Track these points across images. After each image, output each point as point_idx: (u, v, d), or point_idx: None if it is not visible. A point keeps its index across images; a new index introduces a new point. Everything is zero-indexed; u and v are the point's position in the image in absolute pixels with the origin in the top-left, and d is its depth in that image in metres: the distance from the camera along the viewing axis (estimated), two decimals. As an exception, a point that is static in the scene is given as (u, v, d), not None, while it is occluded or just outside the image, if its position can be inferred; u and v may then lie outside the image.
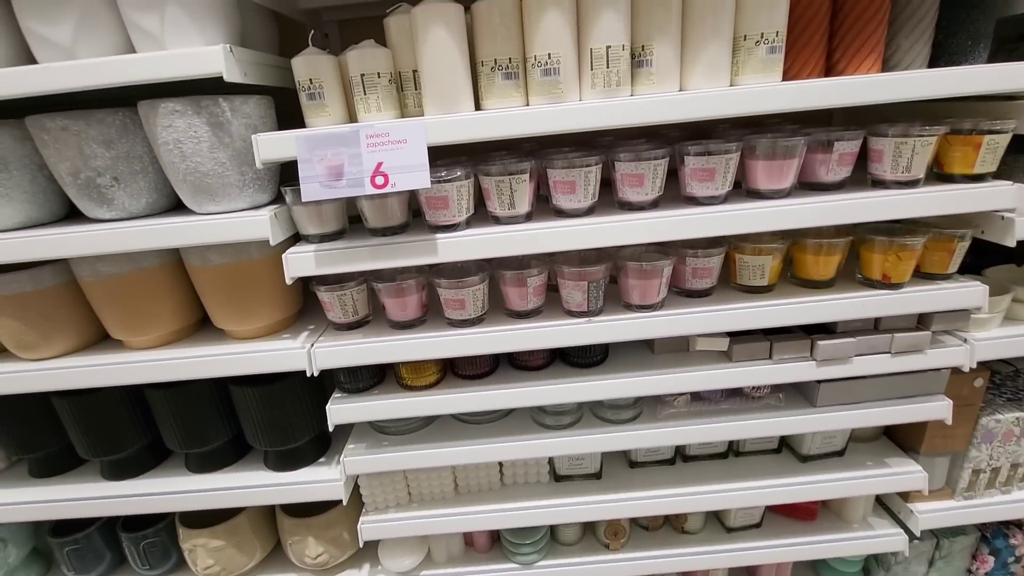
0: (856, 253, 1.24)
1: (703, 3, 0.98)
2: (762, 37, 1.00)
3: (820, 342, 1.22)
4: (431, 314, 1.26)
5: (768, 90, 1.00)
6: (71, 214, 1.23)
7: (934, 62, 1.09)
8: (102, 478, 1.41)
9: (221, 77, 0.94)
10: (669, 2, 0.98)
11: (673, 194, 1.20)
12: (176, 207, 1.21)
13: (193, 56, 0.94)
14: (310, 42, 1.06)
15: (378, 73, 1.02)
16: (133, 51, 1.02)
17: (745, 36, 1.01)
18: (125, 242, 1.08)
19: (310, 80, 1.03)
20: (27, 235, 1.09)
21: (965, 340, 1.26)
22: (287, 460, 1.37)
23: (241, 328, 1.27)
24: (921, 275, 1.24)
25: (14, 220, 1.15)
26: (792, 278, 1.28)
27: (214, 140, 1.03)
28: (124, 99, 1.06)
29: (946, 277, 1.23)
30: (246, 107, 1.05)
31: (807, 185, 1.18)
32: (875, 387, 1.30)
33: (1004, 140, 1.08)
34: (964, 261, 1.32)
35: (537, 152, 1.25)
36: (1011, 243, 1.14)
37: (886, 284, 1.20)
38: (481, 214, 1.17)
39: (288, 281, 1.09)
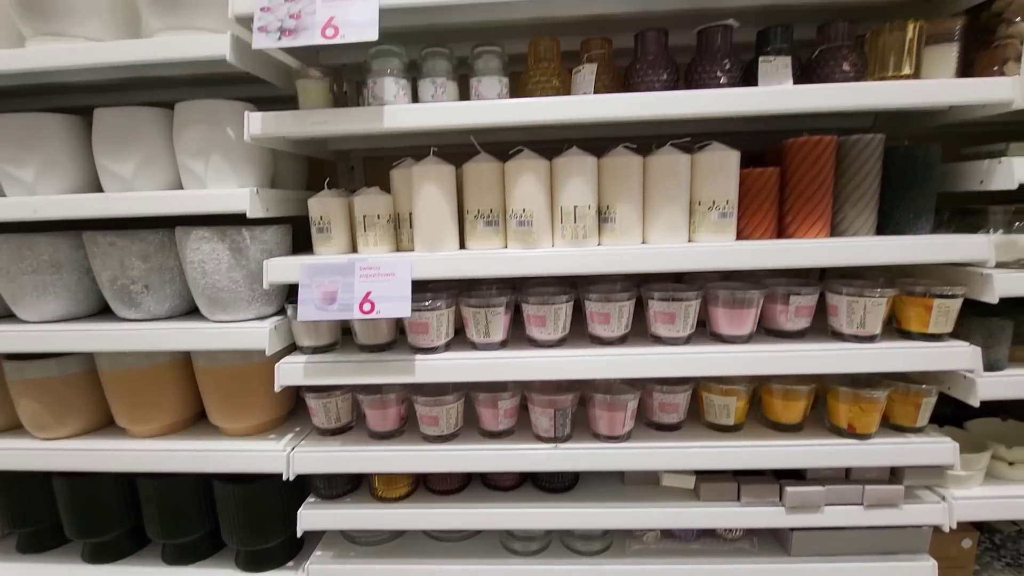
0: (826, 399, 1.27)
1: (660, 175, 1.13)
2: (714, 204, 1.13)
3: (788, 488, 1.22)
4: (409, 425, 1.33)
5: (717, 249, 1.11)
6: (102, 310, 1.40)
7: (881, 230, 1.18)
8: (82, 560, 1.45)
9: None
10: (630, 173, 1.13)
11: (643, 329, 1.28)
12: (194, 310, 1.36)
13: (225, 196, 1.13)
14: (326, 185, 1.25)
15: (378, 215, 1.19)
16: (181, 186, 1.23)
17: (700, 202, 1.14)
18: (142, 342, 1.22)
19: (320, 217, 1.20)
20: (65, 328, 1.25)
21: (943, 497, 1.23)
22: (257, 560, 1.39)
23: (233, 426, 1.36)
24: (891, 427, 1.25)
25: (56, 313, 1.31)
26: (762, 419, 1.30)
27: (232, 262, 1.19)
28: (167, 219, 1.26)
29: (916, 430, 1.23)
30: (265, 235, 1.22)
31: (770, 331, 1.25)
32: (852, 540, 1.26)
33: (955, 304, 1.14)
34: (946, 412, 1.33)
35: (519, 285, 1.37)
36: (975, 403, 1.16)
37: (852, 434, 1.21)
38: (464, 337, 1.27)
39: (277, 389, 1.19)
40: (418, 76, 1.15)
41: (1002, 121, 1.14)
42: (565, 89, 1.17)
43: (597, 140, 1.32)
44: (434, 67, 1.12)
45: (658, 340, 1.22)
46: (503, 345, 1.23)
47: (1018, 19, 1.05)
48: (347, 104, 1.48)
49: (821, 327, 1.24)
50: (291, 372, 1.19)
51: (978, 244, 1.09)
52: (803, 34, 1.18)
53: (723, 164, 1.13)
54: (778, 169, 1.17)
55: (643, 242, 1.18)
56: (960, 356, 1.13)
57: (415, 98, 1.15)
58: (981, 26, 1.13)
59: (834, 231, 1.19)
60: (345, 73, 1.46)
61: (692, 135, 1.18)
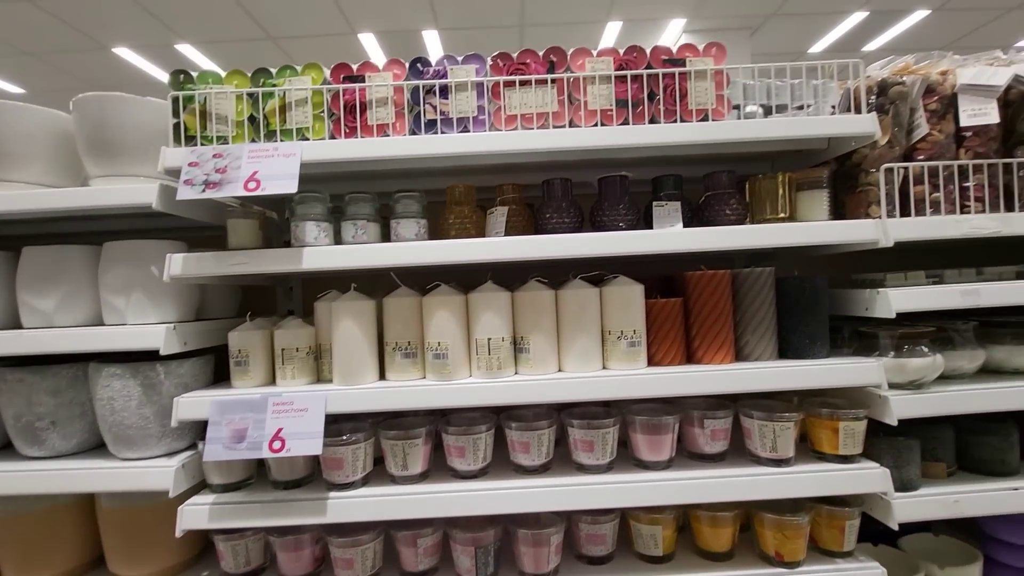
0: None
1: (571, 307, 1.19)
2: (622, 334, 1.18)
3: (723, 627, 1.16)
4: (325, 567, 1.25)
5: (627, 377, 1.14)
6: (5, 446, 1.33)
7: (783, 353, 1.25)
8: None
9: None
10: (542, 305, 1.19)
11: (567, 454, 1.27)
12: (103, 445, 1.30)
13: (139, 334, 1.14)
14: (248, 317, 1.27)
15: (297, 348, 1.20)
16: (101, 320, 1.23)
17: (610, 331, 1.20)
18: (27, 485, 1.15)
19: (239, 350, 1.20)
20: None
21: (881, 631, 1.18)
22: None
23: (133, 572, 1.25)
24: (821, 551, 1.23)
25: (-49, 454, 1.24)
26: (693, 546, 1.27)
27: (143, 399, 1.17)
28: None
29: (845, 555, 1.21)
30: (181, 369, 1.22)
31: (692, 454, 1.25)
32: None
33: (860, 426, 1.18)
34: (879, 528, 1.32)
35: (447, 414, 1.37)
36: (893, 525, 1.16)
37: (781, 562, 1.18)
38: (384, 469, 1.24)
39: (178, 534, 1.12)
40: (342, 217, 1.22)
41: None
42: (480, 226, 1.25)
43: (514, 269, 1.39)
44: (356, 210, 1.20)
45: (581, 468, 1.21)
46: (423, 477, 1.20)
47: (873, 169, 1.20)
48: (281, 236, 1.54)
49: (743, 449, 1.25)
50: (194, 515, 1.13)
51: (869, 369, 1.15)
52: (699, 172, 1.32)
53: (629, 297, 1.20)
54: (681, 299, 1.24)
55: (559, 370, 1.21)
56: (871, 479, 1.15)
57: (338, 238, 1.22)
58: (847, 173, 1.28)
59: (739, 355, 1.25)
60: (285, 202, 1.55)
61: (603, 265, 1.27)
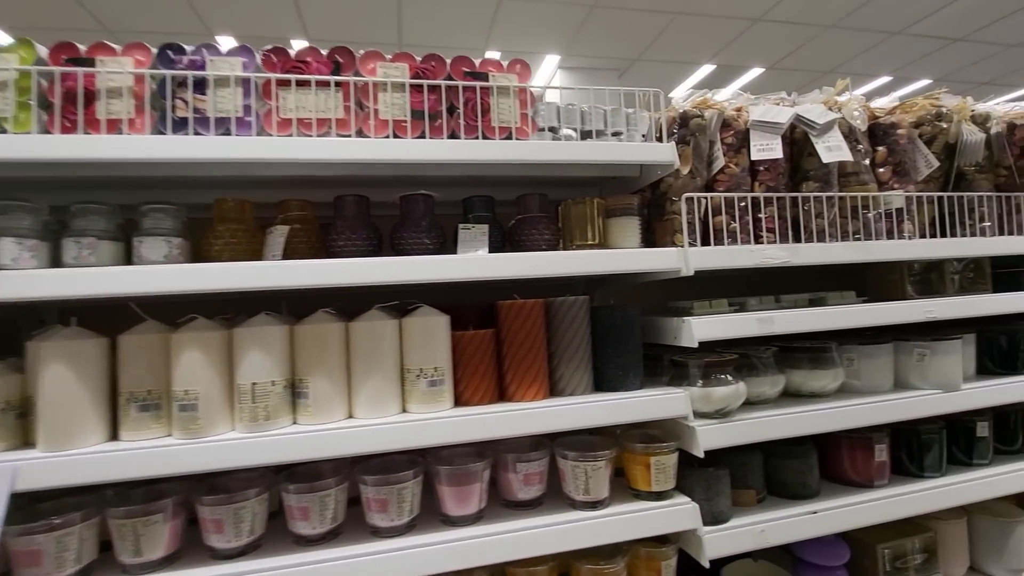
0: None
1: (365, 342, 1.03)
2: (422, 372, 1.05)
3: None
4: None
5: (426, 422, 1.00)
6: None
7: (598, 386, 1.19)
8: None
9: None
10: (328, 341, 1.02)
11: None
12: None
13: None
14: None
15: (-14, 404, 0.91)
16: None
17: (409, 369, 1.05)
18: None
19: None
20: None
21: (699, 675, 1.13)
22: None
23: None
24: (640, 597, 1.16)
25: None
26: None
27: None
28: None
29: (664, 598, 1.16)
30: None
31: (507, 503, 1.14)
32: None
33: (671, 459, 1.14)
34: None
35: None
36: (704, 562, 1.13)
37: (598, 616, 1.09)
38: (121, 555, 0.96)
39: None
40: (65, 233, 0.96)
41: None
42: (259, 248, 1.06)
43: (320, 298, 1.21)
44: (82, 225, 0.95)
45: (375, 532, 1.03)
46: (169, 562, 0.95)
47: (676, 198, 1.20)
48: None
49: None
50: None
51: (677, 400, 1.12)
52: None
53: (431, 329, 1.07)
54: (493, 331, 1.14)
55: (349, 416, 1.04)
56: (682, 516, 1.11)
57: (56, 260, 0.96)
58: (656, 201, 1.28)
59: (554, 389, 1.17)
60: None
61: (414, 294, 1.13)
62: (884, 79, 6.80)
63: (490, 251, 1.13)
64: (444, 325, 1.09)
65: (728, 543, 1.15)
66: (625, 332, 1.18)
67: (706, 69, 6.14)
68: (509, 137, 1.09)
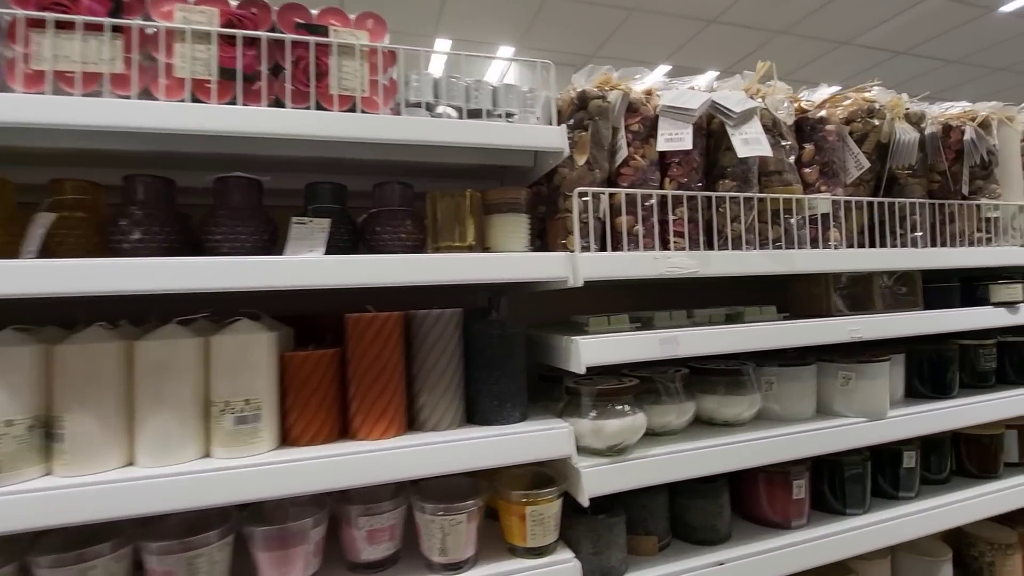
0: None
1: (149, 368, 0.79)
2: (227, 405, 0.82)
3: None
4: None
5: (215, 476, 0.77)
6: None
7: (470, 419, 0.99)
8: None
9: None
10: (98, 366, 0.78)
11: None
12: None
13: None
14: None
15: None
16: None
17: (215, 402, 0.82)
18: None
19: None
20: None
21: None
22: None
23: None
24: (515, 670, 0.96)
25: None
26: None
27: None
28: None
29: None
30: None
31: (353, 565, 0.92)
32: None
33: (551, 508, 0.95)
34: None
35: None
36: (590, 632, 0.94)
37: None
38: None
39: None
40: None
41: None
42: (17, 239, 0.80)
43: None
44: None
45: (162, 612, 0.80)
46: None
47: (569, 194, 1.00)
48: None
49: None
50: None
51: (559, 438, 0.94)
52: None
53: (246, 348, 0.84)
54: (335, 351, 0.92)
55: (129, 464, 0.80)
56: (564, 572, 0.92)
57: None
58: (549, 197, 1.08)
59: (414, 423, 0.96)
60: None
61: (246, 302, 0.90)
62: (835, 88, 6.92)
63: (335, 252, 0.91)
64: (265, 344, 0.86)
65: (618, 606, 0.97)
66: (502, 353, 0.98)
67: (662, 69, 6.06)
68: (352, 109, 0.86)
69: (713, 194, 1.08)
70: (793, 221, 1.14)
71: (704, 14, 5.07)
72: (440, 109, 1.04)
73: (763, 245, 1.13)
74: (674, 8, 4.95)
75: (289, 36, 0.83)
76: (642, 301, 1.46)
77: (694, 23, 5.22)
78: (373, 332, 0.91)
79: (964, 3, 4.85)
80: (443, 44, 5.43)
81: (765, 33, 5.40)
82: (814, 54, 5.83)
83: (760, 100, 1.17)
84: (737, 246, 1.09)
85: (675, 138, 1.02)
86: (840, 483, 1.23)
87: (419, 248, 0.95)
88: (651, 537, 1.09)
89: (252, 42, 0.83)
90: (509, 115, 1.07)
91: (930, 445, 1.38)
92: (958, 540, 1.49)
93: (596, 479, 0.95)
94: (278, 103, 0.84)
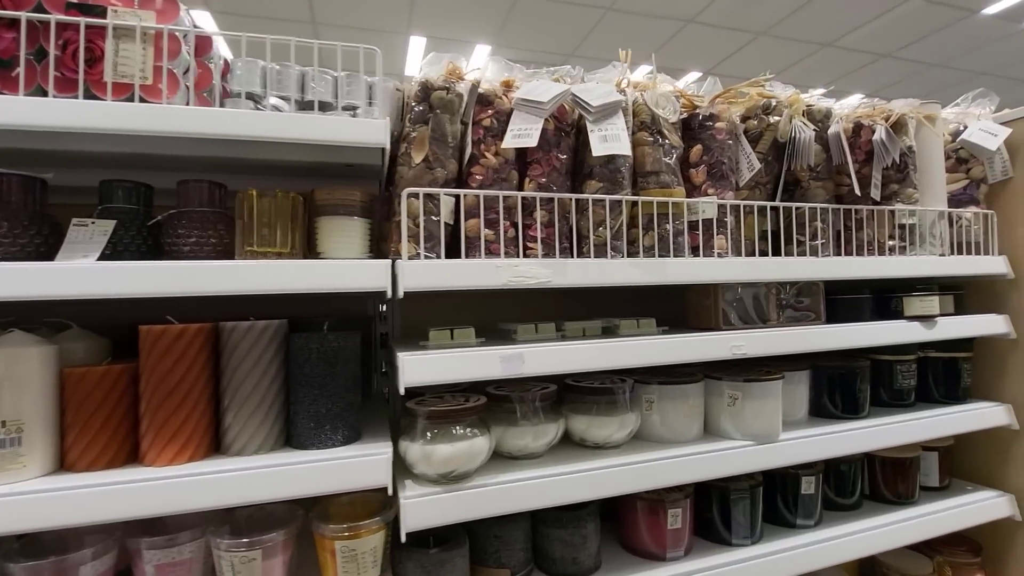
0: None
1: None
2: (-22, 428, 0.73)
3: None
4: None
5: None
6: None
7: (289, 441, 0.90)
8: None
9: None
10: None
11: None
12: None
13: None
14: None
15: None
16: None
17: (-37, 422, 0.73)
18: None
19: None
20: None
21: None
22: None
23: None
24: None
25: None
26: None
27: None
28: None
29: None
30: None
31: (144, 600, 0.83)
32: None
33: (368, 543, 0.85)
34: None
35: None
36: None
37: None
38: None
39: None
40: None
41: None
42: None
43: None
44: None
45: None
46: None
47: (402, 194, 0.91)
48: None
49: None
50: None
51: (376, 465, 0.84)
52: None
53: (13, 364, 0.75)
54: (127, 367, 0.83)
55: None
56: (378, 617, 0.83)
57: None
58: (389, 198, 0.99)
59: (222, 447, 0.87)
60: None
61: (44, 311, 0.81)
62: (820, 91, 6.79)
63: (132, 257, 0.82)
64: (33, 358, 0.77)
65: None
66: (321, 370, 0.88)
67: (644, 69, 5.97)
68: (131, 99, 0.77)
69: (570, 196, 0.98)
70: (670, 227, 1.04)
71: (681, 14, 4.97)
72: (270, 102, 0.95)
73: (637, 253, 1.04)
74: (650, 8, 4.86)
75: (55, 17, 0.74)
76: (576, 308, 1.39)
77: (672, 23, 5.12)
78: (165, 345, 0.82)
79: (947, 5, 4.75)
80: (417, 42, 5.34)
81: (745, 34, 5.30)
82: (797, 56, 5.73)
83: (639, 94, 1.08)
84: (603, 254, 1.00)
85: (523, 134, 0.93)
86: (726, 511, 1.14)
87: (227, 254, 0.86)
88: (502, 571, 0.99)
89: (11, 23, 0.74)
90: (351, 108, 0.98)
91: (837, 468, 1.29)
92: (872, 570, 1.39)
93: (422, 510, 0.85)
94: (41, 91, 0.75)
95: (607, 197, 0.99)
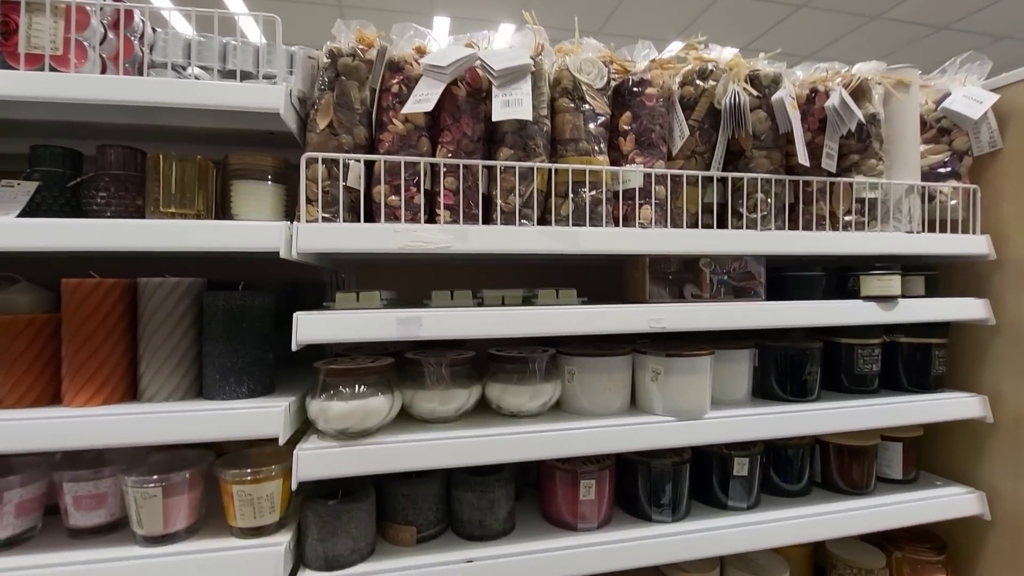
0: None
1: None
2: (-92, 363, 0.82)
3: None
4: None
5: None
6: None
7: (200, 392, 0.96)
8: None
9: None
10: None
11: None
12: None
13: None
14: None
15: None
16: None
17: (-98, 358, 0.83)
18: None
19: None
20: None
21: None
22: None
23: None
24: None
25: None
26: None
27: None
28: None
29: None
30: None
31: (68, 531, 0.91)
32: None
33: (264, 489, 0.91)
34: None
35: None
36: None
37: (152, 676, 0.88)
38: None
39: None
40: None
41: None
42: None
43: None
44: None
45: None
46: None
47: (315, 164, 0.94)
48: None
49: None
50: None
51: (268, 417, 0.89)
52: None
53: (-59, 309, 0.84)
54: (51, 317, 0.91)
55: None
56: (259, 560, 0.88)
57: None
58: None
59: (137, 394, 0.94)
60: None
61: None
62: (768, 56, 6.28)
63: (55, 216, 0.89)
64: (-36, 306, 0.86)
65: (328, 596, 0.92)
66: (228, 327, 0.93)
67: (675, 46, 5.74)
68: (43, 68, 0.84)
69: (478, 162, 0.98)
70: (587, 196, 1.03)
71: (712, -15, 4.73)
72: (194, 71, 1.00)
73: (554, 222, 1.03)
74: (680, -21, 4.66)
75: (-32, -11, 0.81)
76: (535, 282, 1.40)
77: (701, -5, 4.89)
78: (82, 296, 0.89)
79: (1017, -35, 4.29)
80: (441, 22, 5.35)
81: (784, 7, 4.98)
82: (843, 29, 5.34)
83: (563, 58, 1.06)
84: (512, 222, 1.00)
85: (423, 99, 0.93)
86: (647, 486, 1.12)
87: (136, 214, 0.92)
88: (408, 527, 1.03)
89: (-64, -2, 0.81)
90: (270, 77, 1.02)
91: (783, 452, 1.24)
92: (824, 560, 1.34)
93: (314, 462, 0.89)
94: (-36, 61, 0.83)
95: (516, 164, 0.98)
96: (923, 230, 1.24)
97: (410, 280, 1.40)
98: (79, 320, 0.88)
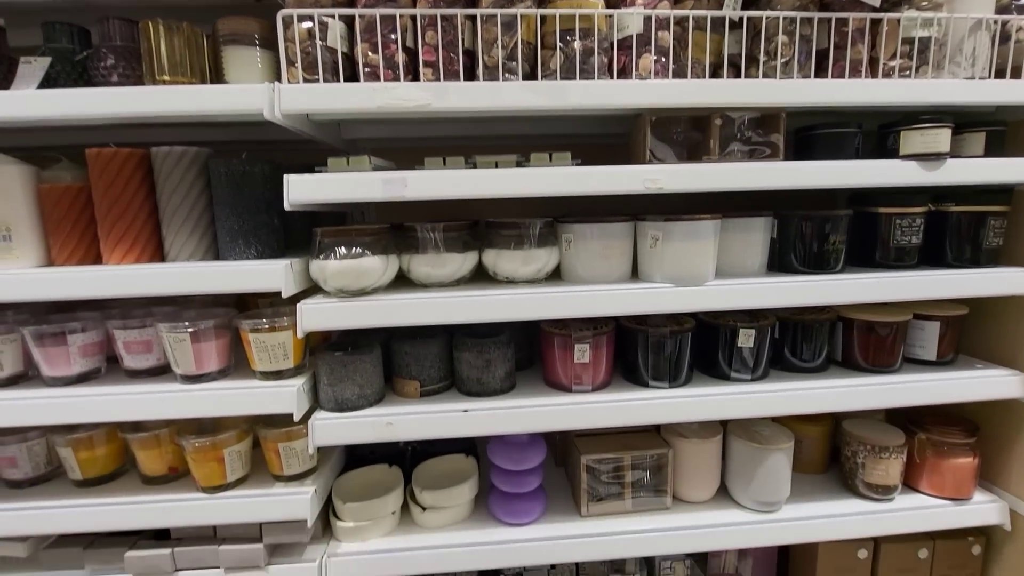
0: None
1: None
2: (-15, 226, 0.96)
3: (129, 552, 1.05)
4: None
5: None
6: None
7: (219, 255, 1.05)
8: None
9: None
10: None
11: None
12: None
13: None
14: None
15: None
16: None
17: (-23, 223, 0.97)
18: None
19: None
20: None
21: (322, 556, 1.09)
22: None
23: None
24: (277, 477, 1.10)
25: None
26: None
27: None
28: None
29: (288, 478, 1.09)
30: None
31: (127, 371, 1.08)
32: (230, 608, 1.10)
33: (278, 338, 1.01)
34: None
35: None
36: (311, 449, 1.03)
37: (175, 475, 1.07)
38: None
39: None
40: None
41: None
42: None
43: None
44: None
45: None
46: None
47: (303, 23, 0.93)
48: None
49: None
50: None
51: (272, 273, 0.96)
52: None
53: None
54: (81, 186, 1.01)
55: (-81, 268, 0.99)
56: (278, 398, 0.99)
57: None
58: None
59: (163, 254, 1.05)
60: None
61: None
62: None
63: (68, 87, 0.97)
64: (18, 176, 0.97)
65: (343, 432, 1.03)
66: (231, 192, 1.00)
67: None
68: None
69: (456, 11, 0.93)
70: (577, 46, 0.96)
71: None
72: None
73: (547, 76, 0.97)
74: None
75: None
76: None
77: None
78: (111, 168, 0.97)
79: None
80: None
81: None
82: None
83: None
84: (496, 77, 0.96)
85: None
86: (645, 354, 1.13)
87: (137, 81, 0.97)
88: (413, 382, 1.12)
89: None
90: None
91: (797, 327, 1.19)
92: (840, 441, 1.31)
93: (315, 315, 0.98)
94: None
95: (499, 12, 0.93)
96: (990, 77, 1.06)
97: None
98: (105, 184, 0.98)
